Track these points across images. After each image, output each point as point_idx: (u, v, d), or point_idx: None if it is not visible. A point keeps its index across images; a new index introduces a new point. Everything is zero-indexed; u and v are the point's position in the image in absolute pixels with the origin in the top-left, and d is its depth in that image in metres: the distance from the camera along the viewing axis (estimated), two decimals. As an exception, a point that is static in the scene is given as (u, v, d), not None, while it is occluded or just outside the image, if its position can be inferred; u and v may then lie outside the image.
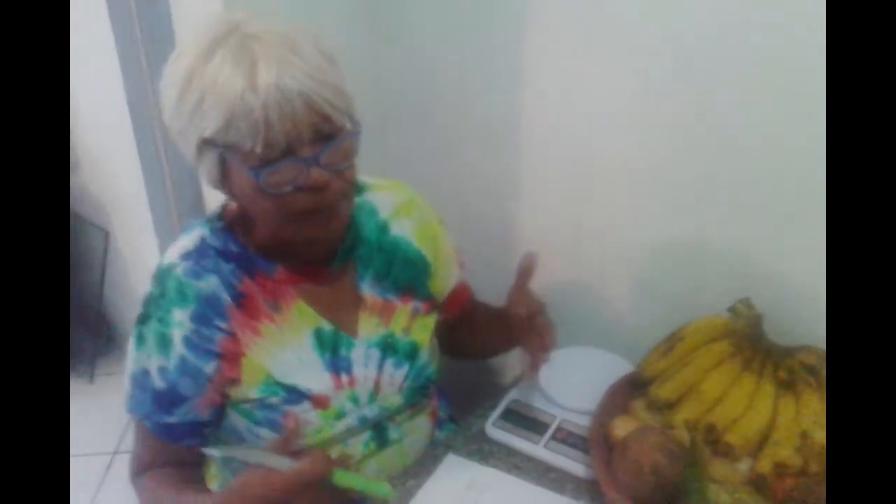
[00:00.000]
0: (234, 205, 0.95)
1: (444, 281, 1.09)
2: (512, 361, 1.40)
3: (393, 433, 1.01)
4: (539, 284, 1.37)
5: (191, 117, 0.79)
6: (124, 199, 2.20)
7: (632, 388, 1.06)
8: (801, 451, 0.87)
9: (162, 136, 2.04)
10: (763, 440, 0.92)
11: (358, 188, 1.01)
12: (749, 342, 1.02)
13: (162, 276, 0.91)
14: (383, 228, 1.03)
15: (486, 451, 1.03)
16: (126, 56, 1.87)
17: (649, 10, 1.05)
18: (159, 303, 0.90)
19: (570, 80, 1.18)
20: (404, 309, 1.02)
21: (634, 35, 1.08)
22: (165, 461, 0.96)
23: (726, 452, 0.91)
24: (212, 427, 0.95)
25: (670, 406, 0.99)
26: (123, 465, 1.98)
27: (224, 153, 0.80)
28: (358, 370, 0.97)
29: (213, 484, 1.06)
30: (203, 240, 0.92)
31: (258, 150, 0.77)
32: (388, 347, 1.00)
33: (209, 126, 0.77)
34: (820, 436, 0.86)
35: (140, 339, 0.91)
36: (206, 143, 0.80)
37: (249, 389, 0.92)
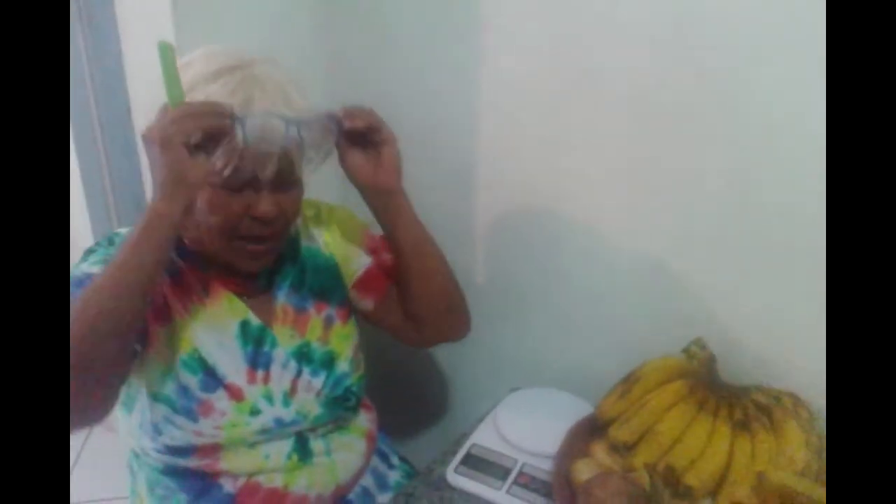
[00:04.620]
0: None
1: (352, 267, 1.10)
2: (470, 405, 1.40)
3: (315, 445, 1.02)
4: (501, 327, 1.38)
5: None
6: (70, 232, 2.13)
7: (591, 431, 1.06)
8: (757, 491, 0.88)
9: (107, 165, 1.99)
10: (720, 481, 0.93)
11: None
12: (703, 382, 1.04)
13: (110, 237, 0.96)
14: (293, 241, 1.06)
15: (448, 499, 1.02)
16: (73, 94, 1.83)
17: (619, 55, 1.07)
18: (106, 246, 0.93)
19: (537, 126, 1.20)
20: (318, 318, 1.05)
21: (606, 81, 1.10)
22: None
23: (686, 494, 0.92)
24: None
25: (629, 448, 1.00)
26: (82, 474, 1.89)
27: None
28: (275, 369, 0.99)
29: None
30: None
31: (226, 172, 0.85)
32: (303, 357, 1.02)
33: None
34: (775, 476, 0.88)
35: (84, 256, 0.92)
36: None
37: (173, 353, 0.93)
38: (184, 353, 0.94)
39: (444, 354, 1.46)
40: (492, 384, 1.35)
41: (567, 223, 1.22)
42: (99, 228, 2.02)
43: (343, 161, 0.98)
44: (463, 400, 1.46)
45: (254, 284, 1.01)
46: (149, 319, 0.92)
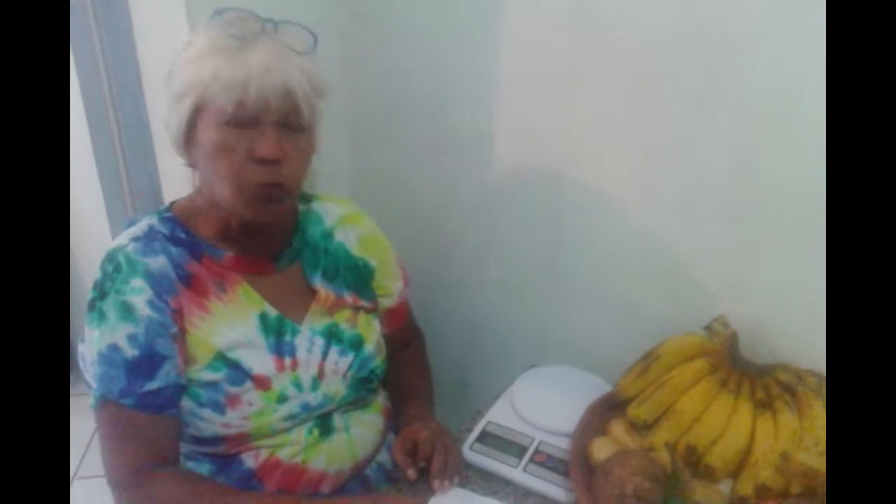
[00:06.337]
0: (183, 201, 1.01)
1: (387, 289, 1.13)
2: (486, 383, 1.39)
3: (337, 422, 1.02)
4: (517, 304, 1.36)
5: (184, 65, 0.88)
6: (83, 216, 2.13)
7: (609, 409, 1.05)
8: (781, 471, 0.86)
9: (122, 151, 1.99)
10: (742, 461, 0.91)
11: (306, 198, 1.09)
12: (725, 361, 1.02)
13: (112, 254, 0.94)
14: (328, 235, 1.08)
15: (464, 476, 1.01)
16: (84, 67, 1.82)
17: (631, 26, 1.05)
18: (114, 277, 0.92)
19: (549, 96, 1.18)
20: (349, 306, 1.06)
21: (617, 51, 1.08)
22: (154, 453, 0.92)
23: (707, 474, 0.91)
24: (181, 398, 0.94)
25: (649, 426, 0.99)
26: (83, 490, 1.92)
27: (196, 107, 0.88)
28: (301, 354, 0.99)
29: None
30: (151, 227, 0.97)
31: (229, 108, 0.86)
32: (332, 336, 1.03)
33: (199, 74, 0.86)
34: (800, 456, 0.86)
35: (101, 316, 0.91)
36: (183, 95, 0.88)
37: (198, 368, 0.93)
38: (206, 360, 0.93)
39: (462, 332, 1.44)
40: (508, 361, 1.33)
41: (581, 198, 1.20)
42: (113, 206, 2.02)
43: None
44: (479, 377, 1.45)
45: (272, 267, 1.01)
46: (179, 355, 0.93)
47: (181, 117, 0.90)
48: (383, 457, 1.10)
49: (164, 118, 0.93)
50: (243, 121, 0.87)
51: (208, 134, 0.89)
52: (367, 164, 1.46)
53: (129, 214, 2.01)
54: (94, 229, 2.06)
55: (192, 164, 0.95)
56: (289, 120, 0.89)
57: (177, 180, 1.28)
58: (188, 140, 0.92)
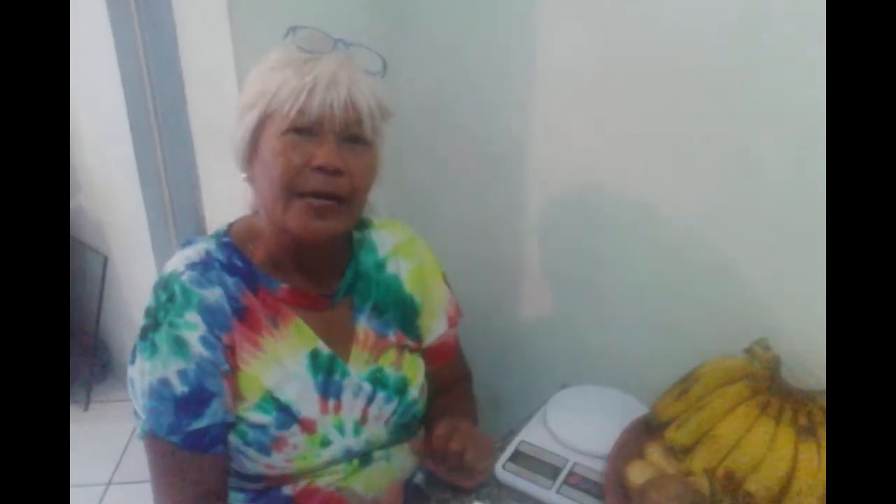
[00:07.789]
0: (241, 222, 0.99)
1: (430, 328, 1.09)
2: (518, 401, 1.37)
3: (376, 455, 1.01)
4: (551, 322, 1.35)
5: (254, 78, 0.90)
6: (124, 223, 2.18)
7: (646, 431, 1.03)
8: (826, 502, 0.84)
9: (163, 159, 2.02)
10: (784, 489, 0.89)
11: (362, 224, 1.06)
12: (766, 385, 1.00)
13: (167, 281, 0.91)
14: (380, 266, 1.05)
15: (496, 496, 1.00)
16: (128, 80, 1.86)
17: (670, 37, 1.04)
18: (168, 307, 0.89)
19: (584, 110, 1.17)
20: (394, 346, 1.04)
21: (646, 66, 1.07)
22: (201, 490, 0.91)
23: (746, 501, 0.88)
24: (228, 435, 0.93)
25: (686, 451, 0.96)
26: (118, 496, 1.95)
27: (262, 117, 0.88)
28: (347, 398, 0.98)
29: None
30: (208, 253, 0.94)
31: (292, 113, 0.85)
32: (377, 382, 1.00)
33: (266, 84, 0.87)
34: (845, 487, 0.83)
35: (153, 348, 0.89)
36: (251, 106, 0.89)
37: (247, 406, 0.92)
38: (255, 398, 0.92)
39: (494, 349, 1.43)
40: (541, 380, 1.32)
41: (617, 216, 1.19)
42: (153, 210, 2.05)
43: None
44: (512, 396, 1.43)
45: (327, 303, 0.99)
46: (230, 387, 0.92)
47: (246, 128, 0.90)
48: (417, 477, 1.09)
49: (230, 133, 0.93)
50: (305, 128, 0.86)
51: (269, 142, 0.88)
52: (400, 179, 1.46)
53: (168, 223, 2.05)
54: (133, 233, 2.09)
55: (251, 179, 0.94)
56: (351, 132, 0.88)
57: (217, 186, 1.30)
58: (251, 153, 0.91)
